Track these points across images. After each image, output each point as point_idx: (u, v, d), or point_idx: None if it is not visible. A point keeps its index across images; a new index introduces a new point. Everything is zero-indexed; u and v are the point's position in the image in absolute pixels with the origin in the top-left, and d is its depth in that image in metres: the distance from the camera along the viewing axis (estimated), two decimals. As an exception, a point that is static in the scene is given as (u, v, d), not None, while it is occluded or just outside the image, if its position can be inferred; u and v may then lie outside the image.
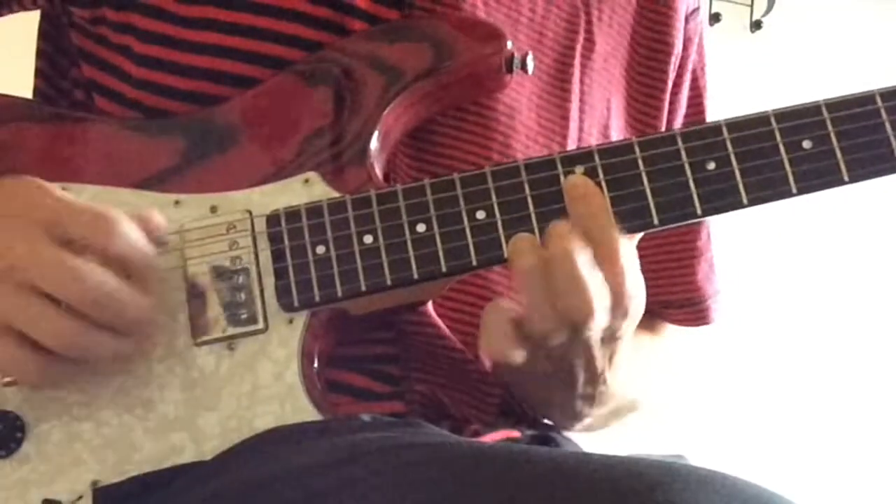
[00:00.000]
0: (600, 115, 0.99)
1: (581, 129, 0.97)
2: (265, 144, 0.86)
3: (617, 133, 1.00)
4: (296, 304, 0.82)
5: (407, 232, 0.81)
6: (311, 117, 0.86)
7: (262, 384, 0.81)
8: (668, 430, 2.49)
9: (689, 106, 1.06)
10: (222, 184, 0.85)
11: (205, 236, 0.83)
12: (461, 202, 0.82)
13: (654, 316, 1.06)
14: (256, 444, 0.78)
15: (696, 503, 0.60)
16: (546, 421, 0.99)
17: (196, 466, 0.79)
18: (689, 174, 0.81)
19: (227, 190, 0.84)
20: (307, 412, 0.80)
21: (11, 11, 0.97)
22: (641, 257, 0.81)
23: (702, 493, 0.61)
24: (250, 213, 0.83)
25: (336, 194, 0.84)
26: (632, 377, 0.92)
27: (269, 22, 0.88)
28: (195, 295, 0.82)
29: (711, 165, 0.81)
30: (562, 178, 0.81)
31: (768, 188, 0.81)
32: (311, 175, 0.85)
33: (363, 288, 0.81)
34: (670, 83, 1.03)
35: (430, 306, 0.87)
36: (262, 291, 0.82)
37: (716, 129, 0.82)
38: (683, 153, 0.81)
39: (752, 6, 2.89)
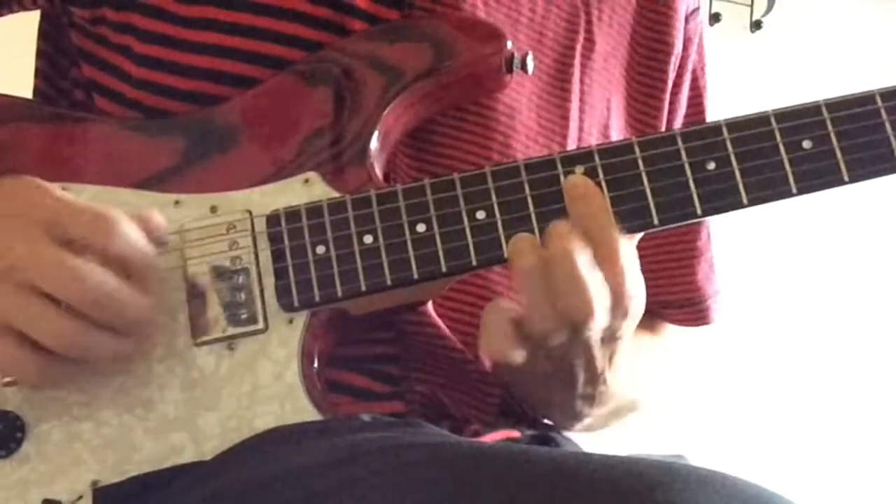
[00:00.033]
0: (600, 115, 0.99)
1: (581, 129, 0.97)
2: (265, 144, 0.86)
3: (617, 133, 1.00)
4: (296, 304, 0.82)
5: (407, 232, 0.81)
6: (311, 117, 0.86)
7: (262, 384, 0.81)
8: (668, 430, 2.49)
9: (688, 106, 1.06)
10: (222, 184, 0.85)
11: (205, 236, 0.83)
12: (461, 202, 0.82)
13: (653, 316, 1.06)
14: (256, 444, 0.78)
15: (696, 503, 0.60)
16: (546, 421, 0.99)
17: (196, 466, 0.79)
18: (689, 174, 0.81)
19: (227, 190, 0.84)
20: (307, 412, 0.80)
21: (11, 11, 0.97)
22: (641, 257, 0.81)
23: (702, 493, 0.61)
24: (250, 213, 0.83)
25: (336, 194, 0.84)
26: (632, 377, 0.92)
27: (269, 22, 0.88)
28: (195, 295, 0.82)
29: (711, 165, 0.81)
30: (562, 178, 0.81)
31: (768, 188, 0.81)
32: (311, 175, 0.85)
33: (363, 288, 0.81)
34: (670, 83, 1.03)
35: (430, 306, 0.87)
36: (262, 291, 0.82)
37: (716, 129, 0.82)
38: (683, 153, 0.81)
39: (752, 6, 2.89)
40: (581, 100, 0.97)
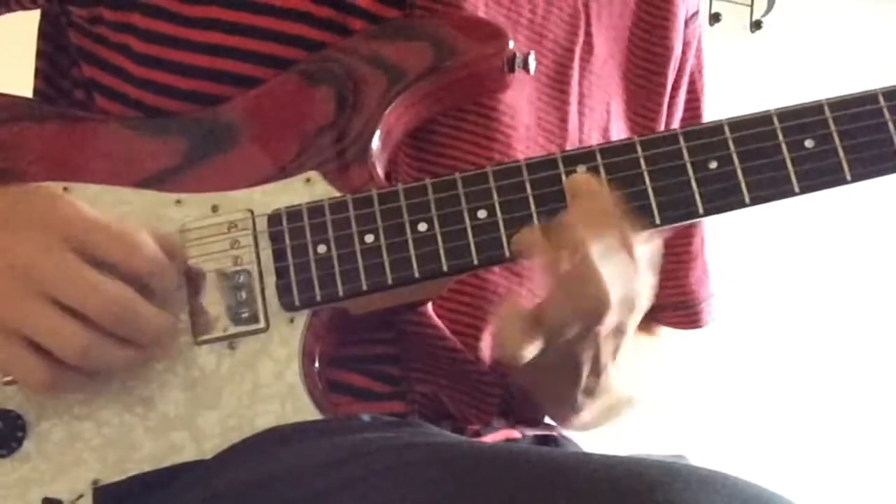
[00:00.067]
0: (600, 118, 0.99)
1: (581, 132, 0.97)
2: (266, 144, 0.86)
3: (617, 136, 1.00)
4: (297, 303, 0.82)
5: (408, 231, 0.82)
6: (312, 117, 0.86)
7: (262, 383, 0.81)
8: (668, 430, 2.49)
9: (686, 109, 1.06)
10: (224, 183, 0.85)
11: (206, 235, 0.83)
12: (462, 201, 0.82)
13: (647, 318, 1.06)
14: (257, 443, 0.78)
15: (697, 503, 0.60)
16: (548, 421, 0.99)
17: (196, 465, 0.79)
18: (690, 173, 0.81)
19: (229, 189, 0.85)
20: (308, 411, 0.80)
21: (10, 10, 0.97)
22: None
23: (702, 493, 0.61)
24: (252, 212, 0.83)
25: (337, 194, 0.84)
26: (631, 375, 0.92)
27: (271, 22, 0.88)
28: (196, 294, 0.82)
29: (713, 165, 0.81)
30: (563, 177, 0.82)
31: (770, 187, 0.81)
32: (313, 174, 0.85)
33: (364, 287, 0.81)
34: (669, 86, 1.03)
35: (430, 307, 0.87)
36: (263, 290, 0.82)
37: (718, 128, 0.82)
38: (685, 152, 0.81)
39: (752, 6, 2.89)
40: (580, 102, 0.97)
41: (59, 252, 0.76)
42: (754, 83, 2.64)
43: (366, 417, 0.79)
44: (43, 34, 1.01)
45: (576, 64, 0.97)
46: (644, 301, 0.80)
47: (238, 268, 0.83)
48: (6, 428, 0.80)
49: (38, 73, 1.01)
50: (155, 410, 0.81)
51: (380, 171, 0.86)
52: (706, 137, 0.81)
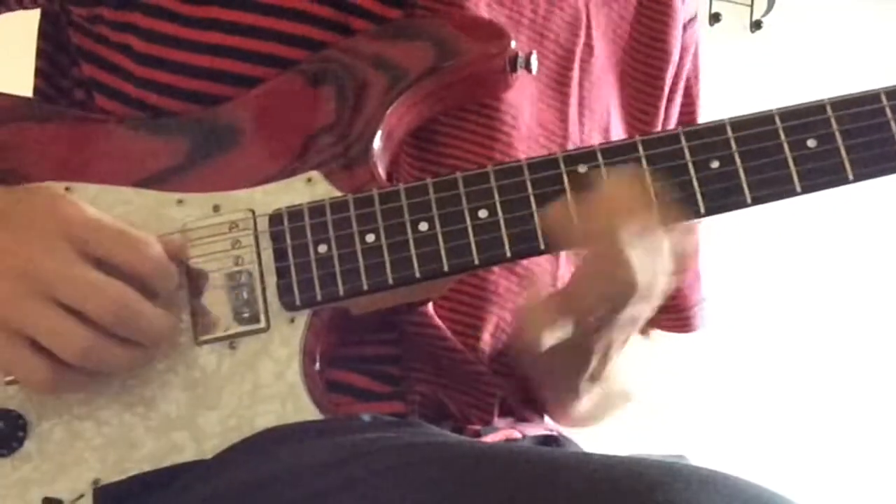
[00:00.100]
0: (601, 118, 0.99)
1: (582, 132, 0.97)
2: (268, 144, 0.86)
3: (617, 137, 1.00)
4: (297, 303, 0.82)
5: (409, 231, 0.81)
6: (314, 117, 0.86)
7: (263, 383, 0.81)
8: (668, 430, 2.49)
9: (681, 114, 1.06)
10: (225, 183, 0.85)
11: (207, 235, 0.83)
12: (463, 201, 0.82)
13: None
14: (257, 443, 0.78)
15: (698, 503, 0.60)
16: (547, 421, 0.99)
17: (196, 465, 0.79)
18: (692, 173, 0.81)
19: (230, 189, 0.85)
20: (308, 411, 0.80)
21: (10, 10, 0.97)
22: None
23: (703, 493, 0.61)
24: (253, 212, 0.83)
25: (339, 193, 0.84)
26: (632, 375, 0.93)
27: (273, 21, 0.88)
28: (197, 294, 0.82)
29: (715, 164, 0.81)
30: (564, 177, 0.82)
31: (772, 187, 0.81)
32: (314, 174, 0.85)
33: (365, 287, 0.81)
34: (667, 90, 1.03)
35: (430, 307, 0.87)
36: (263, 290, 0.82)
37: (719, 127, 0.82)
38: (687, 152, 0.81)
39: (752, 6, 2.89)
40: (580, 103, 0.97)
41: (61, 252, 0.76)
42: (754, 83, 2.64)
43: (366, 417, 0.79)
44: (43, 33, 1.01)
45: (577, 65, 0.97)
46: (661, 294, 0.80)
47: (239, 268, 0.82)
48: (7, 428, 0.80)
49: (38, 72, 1.01)
50: (155, 410, 0.80)
51: (381, 170, 0.86)
52: (708, 137, 0.81)
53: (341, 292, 0.81)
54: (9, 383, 0.80)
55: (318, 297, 0.81)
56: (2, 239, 0.77)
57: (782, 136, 0.81)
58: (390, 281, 0.81)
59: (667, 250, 0.79)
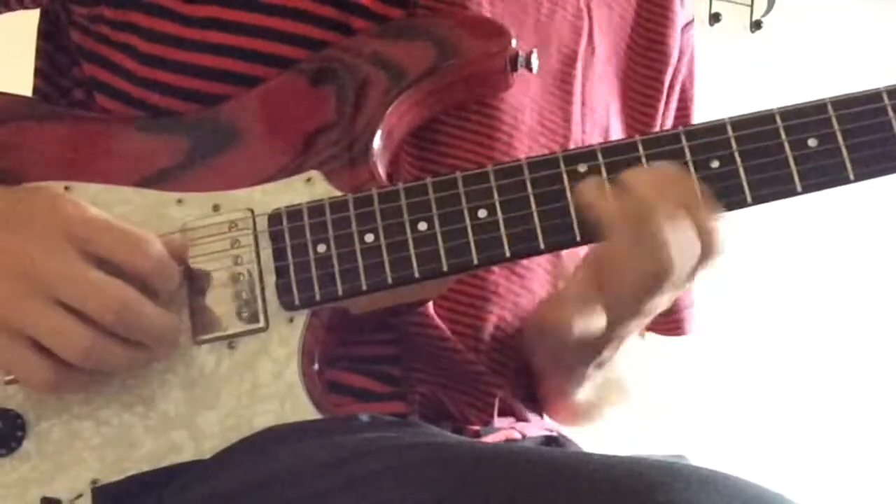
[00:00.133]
0: (601, 119, 0.99)
1: (583, 132, 0.97)
2: (268, 143, 0.86)
3: (616, 137, 1.00)
4: (296, 302, 0.81)
5: (408, 230, 0.81)
6: (314, 116, 0.86)
7: (262, 383, 0.81)
8: (668, 430, 2.49)
9: (675, 118, 1.06)
10: (225, 182, 0.85)
11: (207, 235, 0.83)
12: (463, 200, 0.82)
13: None
14: (256, 442, 0.78)
15: (698, 503, 0.60)
16: (548, 421, 0.99)
17: (195, 465, 0.79)
18: (692, 172, 0.81)
19: (230, 188, 0.84)
20: (307, 411, 0.80)
21: (10, 10, 0.97)
22: None
23: (703, 493, 0.61)
24: (252, 211, 0.83)
25: (338, 193, 0.84)
26: (632, 376, 0.93)
27: (274, 21, 0.88)
28: (196, 293, 0.82)
29: (715, 164, 0.81)
30: (564, 176, 0.81)
31: (773, 186, 0.80)
32: (314, 174, 0.85)
33: (364, 287, 0.81)
34: (665, 92, 1.03)
35: (430, 307, 0.87)
36: (262, 290, 0.82)
37: (720, 127, 0.82)
38: (687, 151, 0.81)
39: (752, 6, 2.89)
40: (583, 102, 0.97)
41: (61, 252, 0.76)
42: (754, 83, 2.64)
43: (365, 417, 0.79)
44: (42, 33, 1.01)
45: (580, 64, 0.97)
46: (689, 281, 0.81)
47: (238, 267, 0.82)
48: (6, 427, 0.80)
49: (38, 72, 1.01)
50: (154, 410, 0.80)
51: (381, 170, 0.86)
52: (708, 136, 0.81)
53: (340, 292, 0.81)
54: (8, 383, 0.80)
55: (317, 297, 0.81)
56: (2, 239, 0.77)
57: (783, 136, 0.81)
58: (389, 281, 0.81)
59: (696, 239, 0.79)
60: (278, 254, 0.82)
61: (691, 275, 0.81)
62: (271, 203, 0.84)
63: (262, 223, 0.83)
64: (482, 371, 0.90)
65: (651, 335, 1.08)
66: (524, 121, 0.92)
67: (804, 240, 2.78)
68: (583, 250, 0.86)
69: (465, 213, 0.81)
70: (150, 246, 0.78)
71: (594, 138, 0.97)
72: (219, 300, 0.82)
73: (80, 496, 0.79)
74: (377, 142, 0.85)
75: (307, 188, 0.84)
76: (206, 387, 0.81)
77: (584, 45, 0.97)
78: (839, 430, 2.76)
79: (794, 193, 0.81)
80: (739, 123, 0.81)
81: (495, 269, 0.90)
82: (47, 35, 1.00)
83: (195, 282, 0.82)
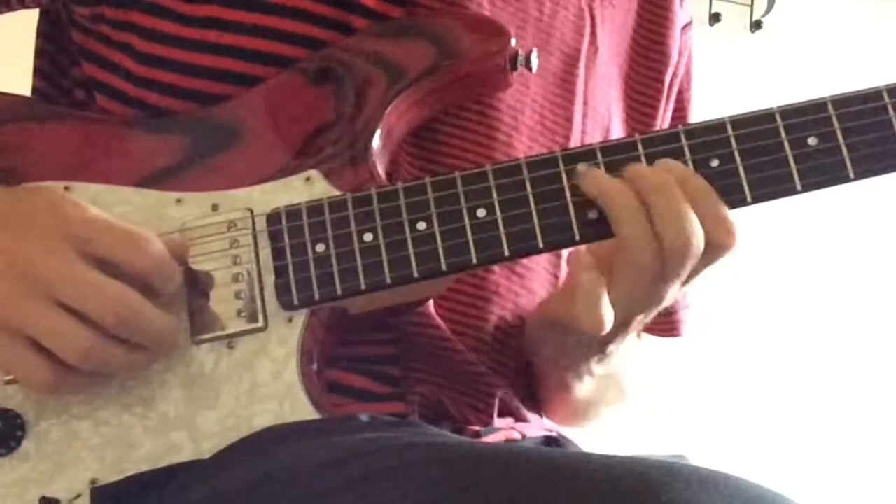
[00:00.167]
0: (602, 119, 0.99)
1: (584, 132, 0.97)
2: (267, 142, 0.86)
3: (617, 137, 1.00)
4: (295, 302, 0.81)
5: (407, 230, 0.81)
6: (313, 115, 0.86)
7: (260, 383, 0.80)
8: (668, 430, 2.49)
9: (672, 119, 1.06)
10: (224, 182, 0.85)
11: (206, 234, 0.83)
12: (462, 200, 0.82)
13: None
14: (255, 442, 0.78)
15: (698, 503, 0.60)
16: (548, 423, 0.99)
17: (194, 465, 0.79)
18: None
19: (229, 188, 0.84)
20: (306, 411, 0.80)
21: (11, 9, 0.97)
22: None
23: (703, 493, 0.61)
24: (251, 211, 0.83)
25: (337, 192, 0.83)
26: (632, 376, 0.92)
27: (273, 20, 0.88)
28: (195, 293, 0.82)
29: (715, 163, 0.81)
30: (563, 176, 0.81)
31: (773, 185, 0.80)
32: (313, 173, 0.85)
33: (363, 286, 0.81)
34: (665, 93, 1.03)
35: (430, 307, 0.87)
36: (261, 290, 0.82)
37: (720, 126, 0.82)
38: (687, 150, 0.81)
39: (752, 6, 2.89)
40: (584, 102, 0.97)
41: (61, 252, 0.76)
42: (754, 83, 2.64)
43: (364, 417, 0.79)
44: (42, 33, 1.01)
45: (582, 64, 0.97)
46: (689, 279, 0.81)
47: (237, 267, 0.82)
48: (5, 427, 0.80)
49: (38, 72, 1.01)
50: (154, 410, 0.80)
51: (381, 170, 0.86)
52: (707, 135, 0.81)
53: (339, 292, 0.81)
54: (8, 383, 0.80)
55: (316, 297, 0.81)
56: (2, 239, 0.77)
57: (783, 134, 0.81)
58: (388, 280, 0.81)
59: (702, 232, 0.79)
60: (277, 253, 0.82)
61: (698, 270, 0.80)
62: (270, 202, 0.84)
63: (261, 223, 0.83)
64: (482, 371, 0.90)
65: (648, 336, 1.08)
66: (524, 121, 0.92)
67: (802, 239, 2.78)
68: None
69: (464, 212, 0.81)
70: (150, 245, 0.78)
71: (595, 138, 0.97)
72: (218, 300, 0.82)
73: (78, 496, 0.79)
74: (376, 141, 0.85)
75: (306, 187, 0.84)
76: (205, 387, 0.81)
77: (586, 45, 0.97)
78: (839, 429, 2.76)
79: (793, 192, 0.81)
80: (739, 122, 0.81)
81: (495, 268, 0.90)
82: (47, 35, 1.00)
83: (194, 281, 0.82)
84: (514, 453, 0.70)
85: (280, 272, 0.82)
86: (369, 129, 0.85)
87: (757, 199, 0.80)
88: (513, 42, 0.88)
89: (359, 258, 0.81)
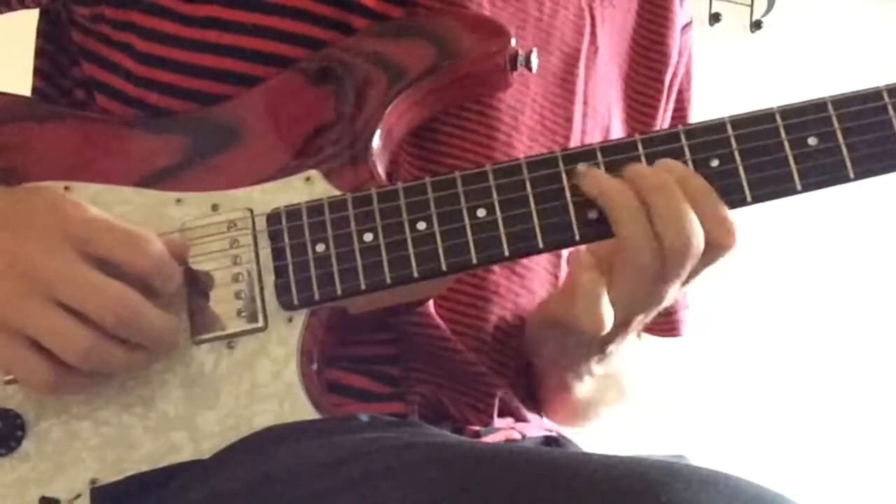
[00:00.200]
0: (602, 119, 0.99)
1: (584, 132, 0.97)
2: (267, 142, 0.86)
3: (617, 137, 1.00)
4: (295, 302, 0.81)
5: (407, 230, 0.81)
6: (313, 115, 0.86)
7: (260, 383, 0.80)
8: (668, 430, 2.49)
9: (672, 120, 1.06)
10: (224, 182, 0.85)
11: (206, 234, 0.83)
12: (462, 200, 0.81)
13: None
14: (255, 442, 0.78)
15: (699, 503, 0.60)
16: (549, 424, 0.99)
17: (194, 465, 0.78)
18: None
19: (229, 188, 0.84)
20: (306, 411, 0.80)
21: (11, 9, 0.97)
22: None
23: (704, 493, 0.61)
24: (251, 211, 0.83)
25: (337, 192, 0.83)
26: (632, 376, 0.92)
27: (274, 20, 0.88)
28: (195, 293, 0.82)
29: (715, 163, 0.81)
30: (563, 176, 0.81)
31: (772, 185, 0.80)
32: (313, 173, 0.85)
33: (363, 286, 0.81)
34: (665, 93, 1.03)
35: (431, 307, 0.87)
36: (261, 290, 0.82)
37: (719, 126, 0.81)
38: (687, 150, 0.81)
39: (752, 6, 2.90)
40: (584, 102, 0.97)
41: (61, 252, 0.76)
42: (754, 83, 2.64)
43: (364, 417, 0.79)
44: (42, 33, 1.01)
45: (582, 64, 0.97)
46: (690, 278, 0.81)
47: (237, 267, 0.82)
48: (5, 427, 0.80)
49: (38, 72, 1.01)
50: (154, 410, 0.80)
51: (381, 170, 0.86)
52: (707, 135, 0.81)
53: (339, 291, 0.81)
54: (8, 383, 0.80)
55: (316, 297, 0.81)
56: (2, 239, 0.77)
57: (783, 134, 0.81)
58: (388, 280, 0.81)
59: (702, 232, 0.79)
60: (277, 253, 0.82)
61: (698, 270, 0.80)
62: (270, 202, 0.83)
63: (261, 223, 0.83)
64: (482, 371, 0.90)
65: (648, 336, 1.08)
66: (524, 121, 0.92)
67: (802, 240, 2.78)
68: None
69: (464, 212, 0.81)
70: (150, 245, 0.78)
71: (595, 138, 0.97)
72: (217, 300, 0.81)
73: (78, 496, 0.79)
74: (376, 141, 0.85)
75: (306, 187, 0.84)
76: (205, 387, 0.81)
77: (586, 45, 0.97)
78: (839, 429, 2.76)
79: (793, 192, 0.81)
80: (739, 122, 0.81)
81: (495, 268, 0.90)
82: (47, 35, 1.00)
83: (194, 282, 0.82)
84: (514, 453, 0.70)
85: (280, 272, 0.82)
86: (369, 129, 0.85)
87: (757, 200, 0.80)
88: (513, 42, 0.88)
89: (359, 258, 0.81)
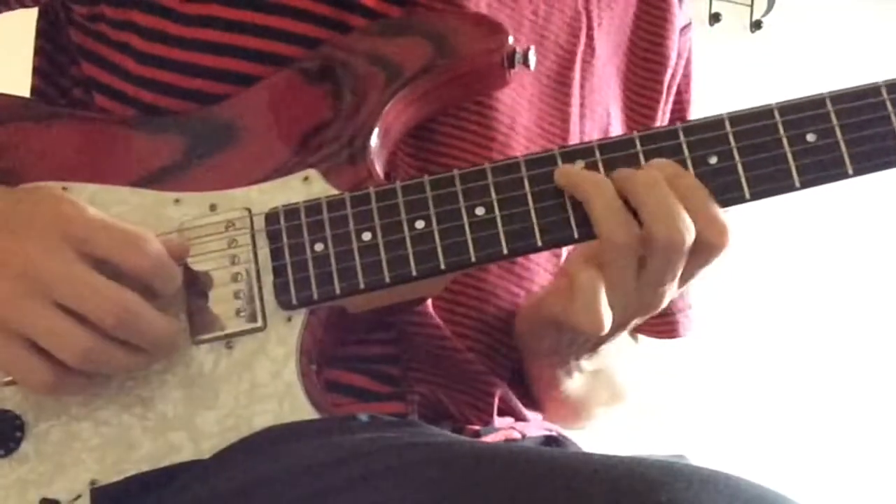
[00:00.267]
0: (601, 120, 0.99)
1: (582, 134, 0.97)
2: (265, 142, 0.86)
3: None
4: (294, 301, 0.81)
5: (406, 229, 0.81)
6: (311, 114, 0.86)
7: (260, 383, 0.80)
8: (668, 430, 2.49)
9: (671, 121, 1.06)
10: (222, 181, 0.85)
11: (204, 234, 0.83)
12: (460, 198, 0.81)
13: None
14: (255, 442, 0.78)
15: (699, 503, 0.60)
16: (550, 424, 0.99)
17: (194, 465, 0.78)
18: (690, 169, 0.80)
19: (227, 188, 0.84)
20: (305, 411, 0.79)
21: (10, 9, 0.97)
22: None
23: (704, 492, 0.61)
24: (249, 210, 0.83)
25: (335, 191, 0.83)
26: (631, 376, 0.92)
27: (272, 19, 0.88)
28: (194, 293, 0.82)
29: (714, 160, 0.81)
30: None
31: (771, 182, 0.80)
32: (311, 172, 0.84)
33: (361, 285, 0.81)
34: (664, 94, 1.03)
35: (430, 306, 0.87)
36: (260, 289, 0.82)
37: (718, 122, 0.81)
38: (685, 147, 0.81)
39: (752, 6, 2.90)
40: (581, 104, 0.97)
41: (60, 252, 0.76)
42: (754, 83, 2.64)
43: (364, 417, 0.79)
44: (41, 32, 1.01)
45: (577, 65, 0.97)
46: (684, 279, 0.80)
47: (236, 267, 0.82)
48: (4, 428, 0.80)
49: (37, 71, 1.01)
50: (153, 410, 0.80)
51: (379, 169, 0.85)
52: (706, 132, 0.81)
53: (338, 291, 0.81)
54: (6, 384, 0.80)
55: (315, 296, 0.81)
56: (1, 239, 0.77)
57: (781, 131, 0.80)
58: (387, 279, 0.81)
59: (693, 232, 0.78)
60: (276, 253, 0.82)
61: (693, 272, 0.80)
62: (268, 202, 0.83)
63: (260, 222, 0.83)
64: (482, 371, 0.90)
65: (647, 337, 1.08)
66: (521, 121, 0.92)
67: (801, 239, 2.78)
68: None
69: (463, 210, 0.81)
70: (148, 245, 0.78)
71: (593, 139, 0.97)
72: (216, 300, 0.81)
73: (78, 497, 0.79)
74: (374, 140, 0.85)
75: (304, 187, 0.84)
76: (204, 387, 0.80)
77: (582, 47, 0.97)
78: (839, 429, 2.76)
79: (792, 189, 0.80)
80: (737, 119, 0.81)
81: (494, 267, 0.90)
82: (46, 34, 1.00)
83: (193, 282, 0.82)
84: (514, 453, 0.70)
85: (279, 272, 0.82)
86: (367, 128, 0.85)
87: (756, 196, 0.80)
88: (510, 39, 0.87)
89: (357, 257, 0.81)
